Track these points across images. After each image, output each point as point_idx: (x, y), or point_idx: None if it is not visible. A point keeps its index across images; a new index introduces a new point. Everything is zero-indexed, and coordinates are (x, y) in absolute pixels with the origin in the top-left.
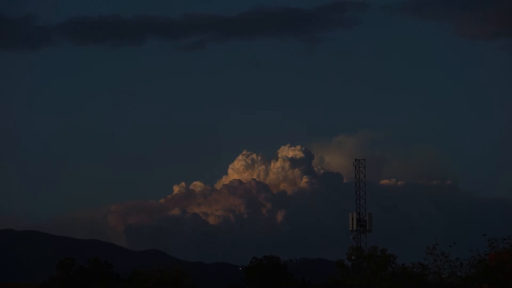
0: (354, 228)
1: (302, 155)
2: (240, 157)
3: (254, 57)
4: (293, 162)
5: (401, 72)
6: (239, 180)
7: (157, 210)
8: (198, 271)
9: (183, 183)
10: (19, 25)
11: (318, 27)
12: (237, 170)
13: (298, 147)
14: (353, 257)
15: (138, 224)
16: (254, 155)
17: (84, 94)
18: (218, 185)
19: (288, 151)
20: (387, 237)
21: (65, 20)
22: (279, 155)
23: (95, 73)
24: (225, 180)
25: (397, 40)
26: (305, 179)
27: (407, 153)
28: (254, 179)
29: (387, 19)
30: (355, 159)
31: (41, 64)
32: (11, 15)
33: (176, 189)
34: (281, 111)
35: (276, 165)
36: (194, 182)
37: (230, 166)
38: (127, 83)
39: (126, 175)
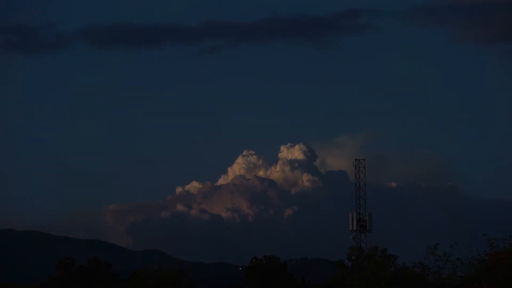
0: (354, 228)
1: (304, 154)
2: (240, 159)
3: (267, 62)
4: (295, 161)
5: (405, 75)
6: (239, 179)
7: (157, 210)
8: (198, 271)
9: (184, 184)
10: (40, 32)
11: (332, 33)
12: (237, 173)
13: (298, 146)
14: (353, 257)
15: (138, 224)
16: (255, 157)
17: (98, 96)
18: (218, 186)
19: (290, 151)
20: (388, 237)
21: (84, 27)
22: (281, 154)
23: (111, 77)
24: (226, 180)
25: (402, 45)
26: (307, 178)
27: (409, 154)
28: (256, 176)
29: (394, 25)
30: (355, 159)
31: (60, 69)
32: (33, 23)
33: (176, 189)
34: (283, 111)
35: (277, 166)
36: (195, 183)
37: (231, 167)
38: (142, 86)
39: (127, 175)
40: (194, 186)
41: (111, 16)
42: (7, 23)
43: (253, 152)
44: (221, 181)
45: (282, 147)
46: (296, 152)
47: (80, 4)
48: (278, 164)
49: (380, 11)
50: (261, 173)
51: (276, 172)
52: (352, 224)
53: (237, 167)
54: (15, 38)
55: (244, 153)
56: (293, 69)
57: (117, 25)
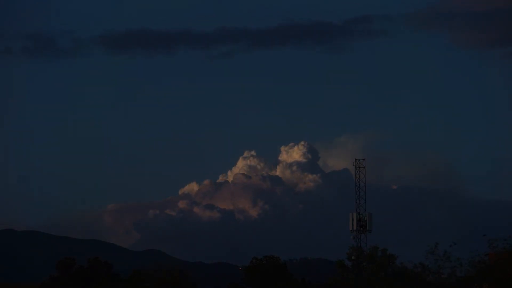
0: (354, 228)
1: (306, 154)
2: (241, 159)
3: (279, 67)
4: (297, 160)
5: (407, 76)
6: (240, 179)
7: (157, 210)
8: (198, 271)
9: (184, 184)
10: (56, 38)
11: (345, 39)
12: (238, 173)
13: (299, 146)
14: (353, 257)
15: (138, 224)
16: (256, 157)
17: (107, 99)
18: (219, 186)
19: (292, 151)
20: (388, 237)
21: (99, 33)
22: (282, 154)
23: (124, 80)
24: (226, 181)
25: (404, 48)
26: (308, 178)
27: (410, 155)
28: (257, 176)
29: (398, 29)
30: (355, 159)
31: (76, 74)
32: (49, 30)
33: (177, 189)
34: (285, 113)
35: (279, 165)
36: (195, 183)
37: (232, 167)
38: (154, 89)
39: (127, 175)
40: (194, 186)
41: (125, 22)
42: (24, 30)
43: (254, 153)
44: (222, 182)
45: (283, 147)
46: (298, 152)
47: (96, 11)
48: (279, 163)
49: (383, 17)
50: (262, 173)
51: (277, 172)
52: (352, 224)
53: (238, 168)
54: (31, 45)
55: (245, 154)
56: (300, 73)
57: (131, 31)
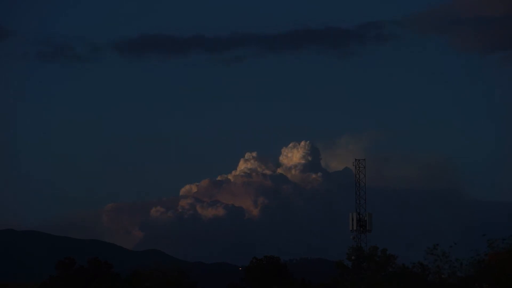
0: (354, 228)
1: (306, 156)
2: (243, 159)
3: (287, 71)
4: (298, 160)
5: (408, 78)
6: (241, 179)
7: (157, 210)
8: (198, 271)
9: (185, 184)
10: (71, 43)
11: (355, 43)
12: (239, 173)
13: (301, 148)
14: (353, 257)
15: (138, 224)
16: (257, 157)
17: (113, 101)
18: (219, 187)
19: (293, 151)
20: (388, 237)
21: (114, 38)
22: (283, 155)
23: (138, 84)
24: (227, 181)
25: (405, 51)
26: (309, 178)
27: (410, 155)
28: (258, 176)
29: (402, 33)
30: (355, 159)
31: (92, 78)
32: (65, 35)
33: (177, 189)
34: (287, 114)
35: (280, 165)
36: (195, 183)
37: (235, 167)
38: (165, 92)
39: (127, 175)
40: (195, 186)
41: (140, 28)
42: (40, 35)
43: (255, 155)
44: (222, 182)
45: (284, 148)
46: (297, 154)
47: (111, 16)
48: (281, 164)
49: (388, 22)
50: (264, 172)
51: (278, 172)
52: (352, 224)
53: (240, 168)
54: (47, 49)
55: (246, 156)
56: (304, 75)
57: (146, 36)
